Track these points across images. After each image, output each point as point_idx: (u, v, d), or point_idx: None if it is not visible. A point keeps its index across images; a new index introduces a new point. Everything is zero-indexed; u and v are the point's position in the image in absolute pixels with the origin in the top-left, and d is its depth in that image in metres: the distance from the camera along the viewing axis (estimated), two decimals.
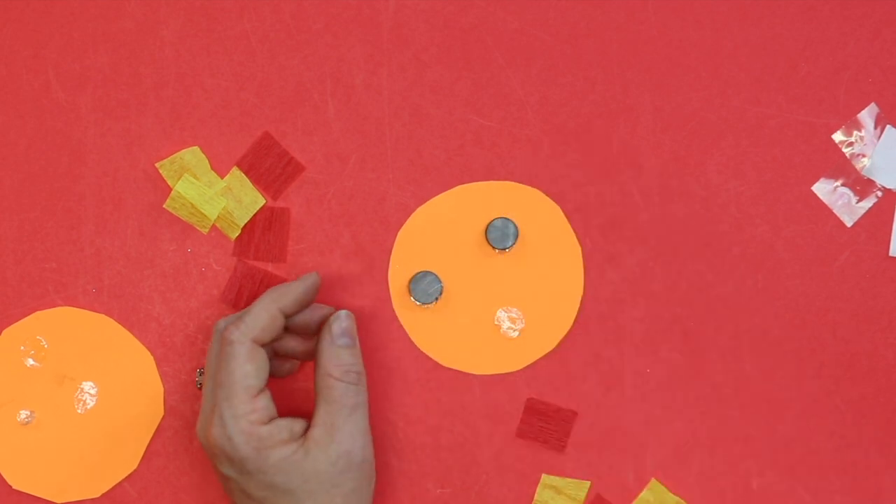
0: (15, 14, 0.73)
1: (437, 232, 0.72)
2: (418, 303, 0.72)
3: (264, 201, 0.72)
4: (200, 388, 0.68)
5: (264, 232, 0.72)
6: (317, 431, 0.65)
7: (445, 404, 0.72)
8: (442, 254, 0.72)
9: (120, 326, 0.72)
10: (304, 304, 0.68)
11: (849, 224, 0.72)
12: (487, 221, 0.72)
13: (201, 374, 0.68)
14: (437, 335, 0.72)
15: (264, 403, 0.65)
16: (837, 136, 0.72)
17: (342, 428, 0.65)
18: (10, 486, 0.72)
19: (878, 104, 0.72)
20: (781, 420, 0.71)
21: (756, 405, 0.71)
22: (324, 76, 0.73)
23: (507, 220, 0.71)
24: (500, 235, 0.71)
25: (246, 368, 0.64)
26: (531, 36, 0.72)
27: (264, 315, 0.65)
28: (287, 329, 0.68)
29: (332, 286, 0.72)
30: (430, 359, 0.72)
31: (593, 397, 0.72)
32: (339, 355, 0.66)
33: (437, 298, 0.72)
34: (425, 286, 0.71)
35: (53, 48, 0.73)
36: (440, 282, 0.72)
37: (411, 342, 0.72)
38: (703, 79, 0.72)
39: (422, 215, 0.72)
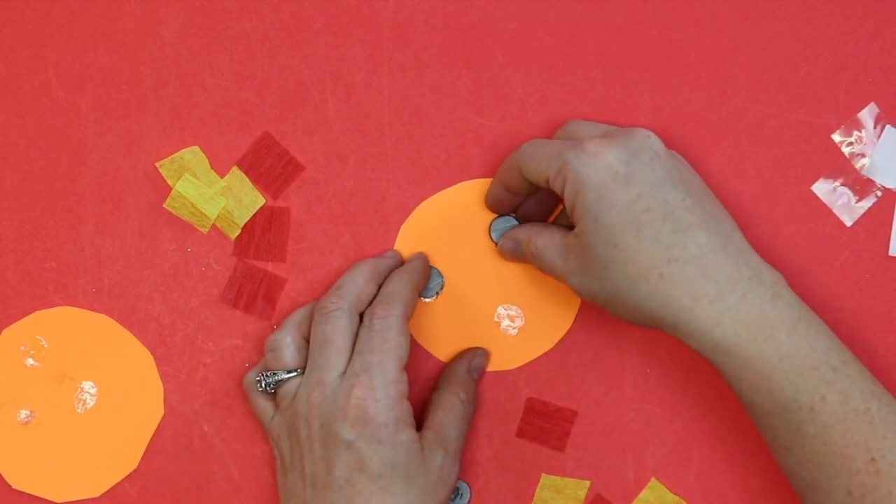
0: (15, 14, 0.73)
1: (440, 227, 0.72)
2: (420, 297, 0.72)
3: (264, 201, 0.72)
4: (265, 389, 0.68)
5: (264, 232, 0.72)
6: (430, 434, 0.67)
7: None
8: (444, 249, 0.72)
9: (120, 326, 0.72)
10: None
11: (848, 224, 0.72)
12: (490, 217, 0.72)
13: (268, 375, 0.68)
14: (437, 331, 0.72)
15: (406, 380, 0.66)
16: (837, 136, 0.72)
17: (452, 442, 0.67)
18: (10, 486, 0.72)
19: (877, 104, 0.72)
20: None
21: None
22: (324, 76, 0.73)
23: (510, 217, 0.71)
24: (502, 232, 0.71)
25: (400, 340, 0.66)
26: (531, 36, 0.72)
27: (414, 299, 0.69)
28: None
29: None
30: (430, 354, 0.72)
31: (593, 397, 0.72)
32: (470, 383, 0.70)
33: (437, 293, 0.72)
34: (427, 280, 0.71)
35: (53, 48, 0.73)
36: (442, 276, 0.72)
37: (412, 337, 0.72)
38: (703, 79, 0.72)
39: (425, 210, 0.72)
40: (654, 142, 0.65)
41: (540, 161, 0.66)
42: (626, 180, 0.63)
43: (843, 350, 0.63)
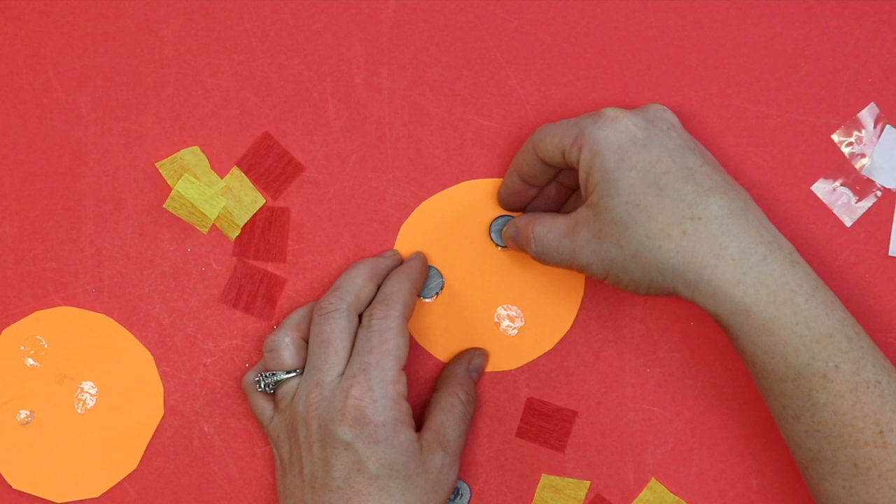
0: (15, 14, 0.73)
1: (440, 227, 0.72)
2: (419, 297, 0.72)
3: (264, 201, 0.72)
4: (264, 390, 0.68)
5: (264, 232, 0.72)
6: (430, 435, 0.67)
7: None
8: (444, 249, 0.72)
9: (120, 326, 0.72)
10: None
11: (848, 224, 0.72)
12: (491, 218, 0.72)
13: (267, 375, 0.68)
14: (437, 331, 0.72)
15: (405, 380, 0.66)
16: (837, 136, 0.72)
17: (451, 443, 0.67)
18: (10, 486, 0.72)
19: (877, 104, 0.72)
20: None
21: (756, 405, 0.71)
22: (324, 76, 0.73)
23: (511, 217, 0.71)
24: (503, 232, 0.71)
25: (399, 340, 0.66)
26: (531, 36, 0.72)
27: (412, 299, 0.68)
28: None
29: None
30: (430, 355, 0.72)
31: (593, 397, 0.72)
32: (469, 383, 0.70)
33: (437, 294, 0.72)
34: (427, 280, 0.71)
35: (53, 48, 0.73)
36: (441, 276, 0.72)
37: (412, 337, 0.72)
38: (703, 79, 0.72)
39: (425, 210, 0.72)
40: (670, 114, 0.66)
41: (556, 134, 0.66)
42: (644, 144, 0.64)
43: (856, 323, 0.63)
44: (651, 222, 0.63)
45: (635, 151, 0.63)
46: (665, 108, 0.67)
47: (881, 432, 0.61)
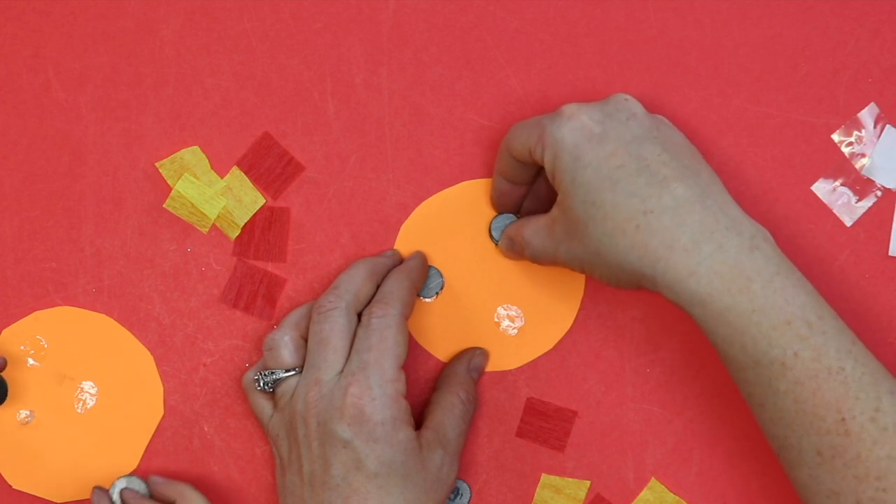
0: (15, 14, 0.73)
1: (440, 227, 0.72)
2: (419, 297, 0.72)
3: (264, 201, 0.72)
4: (263, 388, 0.68)
5: (264, 232, 0.72)
6: (429, 433, 0.67)
7: None
8: (444, 249, 0.72)
9: (120, 326, 0.72)
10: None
11: (848, 224, 0.72)
12: (491, 217, 0.72)
13: (266, 374, 0.68)
14: (437, 331, 0.72)
15: (404, 379, 0.66)
16: (837, 136, 0.72)
17: (451, 442, 0.67)
18: (10, 486, 0.72)
19: (877, 104, 0.72)
20: None
21: None
22: (324, 76, 0.73)
23: (511, 216, 0.71)
24: (503, 231, 0.71)
25: (398, 339, 0.66)
26: (531, 36, 0.72)
27: (412, 298, 0.68)
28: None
29: None
30: (430, 354, 0.72)
31: (593, 397, 0.72)
32: (469, 382, 0.70)
33: (437, 293, 0.72)
34: (427, 280, 0.71)
35: (53, 48, 0.73)
36: (441, 276, 0.72)
37: (412, 337, 0.72)
38: (703, 79, 0.72)
39: (425, 210, 0.72)
40: (632, 104, 0.66)
41: (522, 134, 0.66)
42: (600, 139, 0.63)
43: (823, 307, 0.62)
44: (607, 220, 0.62)
45: (590, 148, 0.63)
46: (628, 97, 0.66)
47: (843, 420, 0.59)
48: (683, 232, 0.61)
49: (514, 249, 0.69)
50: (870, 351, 0.62)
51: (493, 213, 0.72)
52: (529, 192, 0.70)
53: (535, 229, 0.67)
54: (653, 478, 0.72)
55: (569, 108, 0.65)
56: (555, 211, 0.65)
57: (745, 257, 0.61)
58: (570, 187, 0.63)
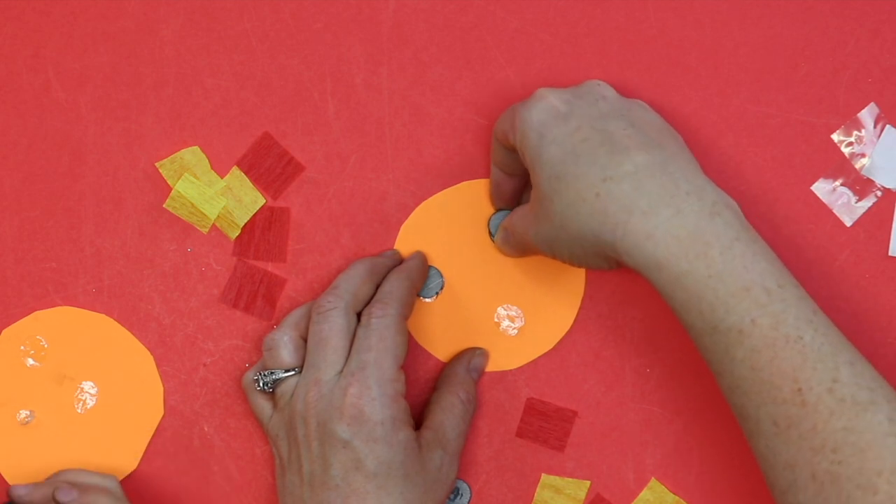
0: (15, 14, 0.73)
1: (440, 227, 0.72)
2: (419, 297, 0.72)
3: (264, 201, 0.72)
4: (263, 389, 0.68)
5: (264, 232, 0.72)
6: (429, 433, 0.67)
7: None
8: (444, 249, 0.72)
9: (120, 326, 0.72)
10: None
11: (848, 224, 0.72)
12: (490, 215, 0.72)
13: (265, 374, 0.68)
14: (437, 331, 0.72)
15: (404, 379, 0.66)
16: (837, 136, 0.72)
17: (451, 442, 0.67)
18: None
19: (877, 104, 0.72)
20: None
21: None
22: (324, 76, 0.73)
23: (509, 211, 0.71)
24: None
25: (398, 339, 0.66)
26: (531, 36, 0.72)
27: (411, 298, 0.69)
28: None
29: None
30: (430, 354, 0.72)
31: (593, 397, 0.72)
32: (469, 382, 0.70)
33: (437, 293, 0.72)
34: (427, 280, 0.71)
35: (53, 48, 0.73)
36: (441, 276, 0.72)
37: (412, 337, 0.72)
38: (703, 79, 0.72)
39: (425, 210, 0.72)
40: (604, 88, 0.66)
41: (503, 120, 0.67)
42: (565, 117, 0.64)
43: (784, 275, 0.61)
44: (570, 190, 0.62)
45: (555, 126, 0.63)
46: (601, 82, 0.67)
47: (799, 390, 0.58)
48: (642, 196, 0.61)
49: (509, 242, 0.69)
50: (831, 320, 0.61)
51: (494, 210, 0.72)
52: (526, 184, 0.70)
53: (520, 216, 0.68)
54: (653, 478, 0.72)
55: (540, 92, 0.65)
56: (531, 195, 0.66)
57: (705, 223, 0.60)
58: (536, 165, 0.64)
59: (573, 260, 0.65)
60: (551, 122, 0.64)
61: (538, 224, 0.65)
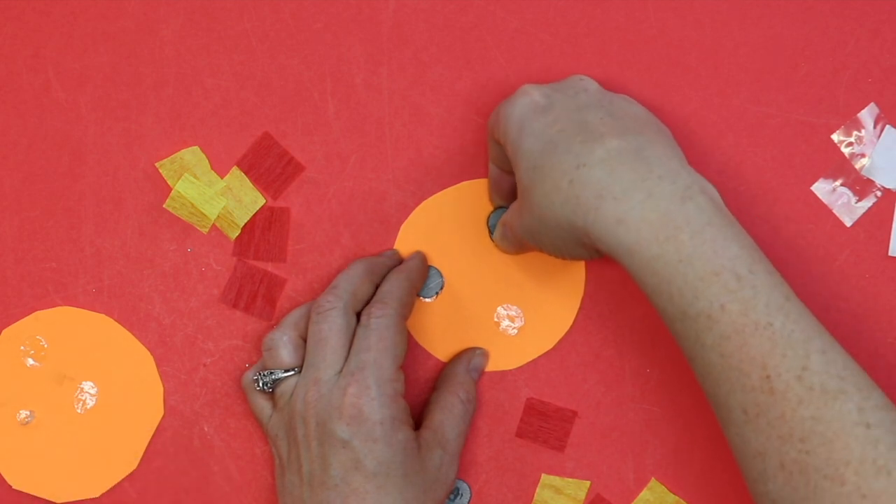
0: (15, 14, 0.73)
1: (440, 227, 0.72)
2: (419, 296, 0.72)
3: (264, 201, 0.72)
4: (263, 388, 0.68)
5: (264, 232, 0.72)
6: (428, 433, 0.67)
7: None
8: (444, 249, 0.72)
9: (120, 326, 0.72)
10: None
11: (848, 224, 0.72)
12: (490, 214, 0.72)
13: (265, 374, 0.68)
14: (437, 331, 0.72)
15: (403, 379, 0.66)
16: (837, 136, 0.72)
17: (450, 442, 0.67)
18: (10, 486, 0.72)
19: (877, 104, 0.72)
20: None
21: None
22: (324, 76, 0.73)
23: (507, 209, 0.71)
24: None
25: (397, 339, 0.66)
26: (531, 36, 0.72)
27: (411, 298, 0.69)
28: None
29: None
30: (430, 354, 0.72)
31: (593, 397, 0.72)
32: (469, 382, 0.70)
33: (437, 293, 0.72)
34: (427, 280, 0.71)
35: (53, 48, 0.73)
36: (441, 276, 0.72)
37: (411, 337, 0.72)
38: (703, 79, 0.72)
39: (425, 210, 0.72)
40: (587, 83, 0.66)
41: (491, 117, 0.68)
42: (545, 109, 0.64)
43: (757, 260, 0.60)
44: (546, 180, 0.62)
45: (534, 118, 0.64)
46: (584, 77, 0.67)
47: (768, 377, 0.57)
48: (615, 182, 0.60)
49: (507, 238, 0.69)
50: (806, 308, 0.60)
51: (494, 208, 0.72)
52: None
53: (510, 213, 0.68)
54: (653, 478, 0.72)
55: (524, 87, 0.66)
56: (518, 190, 0.66)
57: (676, 207, 0.60)
58: (517, 157, 0.64)
59: (556, 251, 0.65)
60: (531, 115, 0.64)
61: (522, 217, 0.65)
